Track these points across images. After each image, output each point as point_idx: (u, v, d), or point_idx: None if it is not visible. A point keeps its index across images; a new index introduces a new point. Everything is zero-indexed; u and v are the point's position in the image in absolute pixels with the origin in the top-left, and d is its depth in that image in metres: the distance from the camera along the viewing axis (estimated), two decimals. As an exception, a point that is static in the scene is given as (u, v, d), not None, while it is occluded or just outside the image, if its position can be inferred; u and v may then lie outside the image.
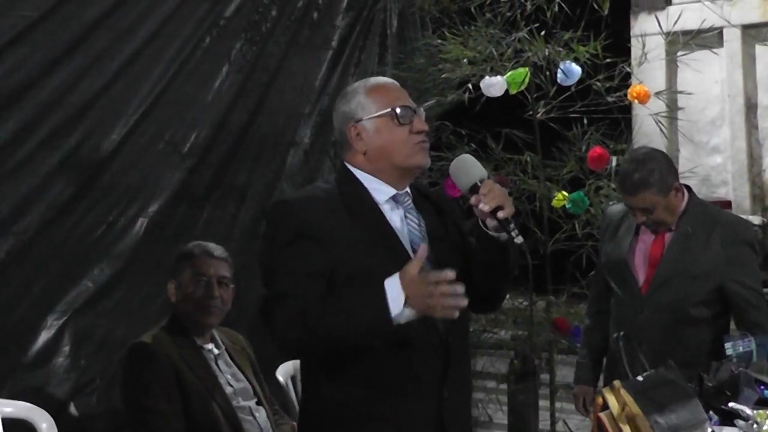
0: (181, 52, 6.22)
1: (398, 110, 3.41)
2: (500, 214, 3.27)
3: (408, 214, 3.44)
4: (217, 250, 4.69)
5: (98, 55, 5.79)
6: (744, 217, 8.77)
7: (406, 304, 3.07)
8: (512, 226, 3.29)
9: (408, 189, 3.49)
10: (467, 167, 3.41)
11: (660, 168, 4.69)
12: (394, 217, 3.42)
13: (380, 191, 3.42)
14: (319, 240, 3.27)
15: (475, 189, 3.34)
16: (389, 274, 3.14)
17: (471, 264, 3.50)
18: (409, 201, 3.47)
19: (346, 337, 3.16)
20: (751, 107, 8.68)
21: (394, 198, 3.43)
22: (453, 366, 3.37)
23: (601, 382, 5.10)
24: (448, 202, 3.72)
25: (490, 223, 3.34)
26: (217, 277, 4.61)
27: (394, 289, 3.08)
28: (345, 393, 3.31)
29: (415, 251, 3.29)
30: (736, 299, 4.69)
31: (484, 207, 3.29)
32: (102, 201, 5.80)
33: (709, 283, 4.69)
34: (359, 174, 3.44)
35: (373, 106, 3.43)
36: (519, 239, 3.28)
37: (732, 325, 4.86)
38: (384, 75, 7.27)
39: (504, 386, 6.94)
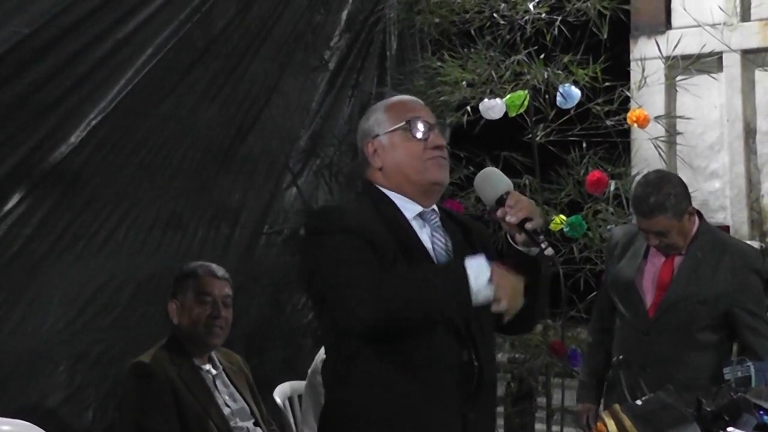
0: (161, 70, 6.10)
1: (412, 123, 3.38)
2: (528, 225, 3.21)
3: (435, 233, 3.41)
4: (219, 270, 4.69)
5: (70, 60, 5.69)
6: (742, 242, 8.82)
7: (490, 280, 3.05)
8: (541, 237, 3.22)
9: (435, 207, 3.46)
10: (492, 180, 3.35)
11: (676, 192, 4.70)
12: (423, 235, 3.38)
13: (407, 208, 3.39)
14: (369, 242, 3.22)
15: (501, 201, 3.28)
16: None
17: None
18: (436, 219, 3.44)
19: (421, 307, 3.11)
20: (750, 132, 8.65)
21: (420, 215, 3.40)
22: (482, 387, 3.32)
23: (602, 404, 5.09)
24: (476, 224, 3.66)
25: (519, 238, 3.28)
26: (221, 297, 4.60)
27: (479, 265, 3.07)
28: (368, 397, 3.25)
29: None
30: (742, 326, 4.71)
31: (512, 219, 3.22)
32: (81, 215, 5.74)
33: (717, 308, 4.71)
34: (386, 191, 3.42)
35: (389, 121, 3.42)
36: (549, 251, 3.21)
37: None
38: (383, 97, 7.28)
39: (501, 409, 6.94)
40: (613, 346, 4.98)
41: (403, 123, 3.39)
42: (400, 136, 3.39)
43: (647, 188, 4.71)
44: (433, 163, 3.38)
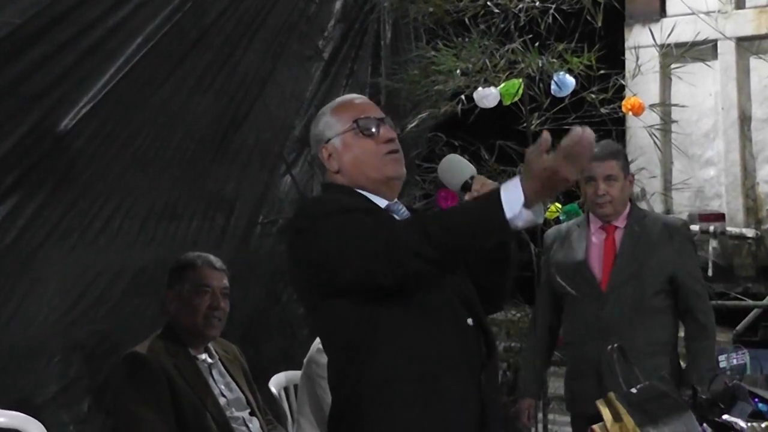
0: (153, 59, 6.04)
1: (361, 122, 3.37)
2: None
3: None
4: (217, 262, 4.67)
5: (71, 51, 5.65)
6: (738, 230, 8.86)
7: (525, 205, 2.94)
8: None
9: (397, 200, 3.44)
10: (455, 166, 3.35)
11: (623, 151, 5.32)
12: None
13: (375, 201, 3.36)
14: (370, 212, 3.24)
15: (466, 187, 3.28)
16: None
17: (470, 266, 3.42)
18: (404, 210, 3.42)
19: (469, 242, 3.04)
20: (745, 120, 8.67)
21: (388, 208, 3.37)
22: (490, 351, 3.31)
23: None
24: None
25: None
26: (220, 289, 4.59)
27: (513, 192, 2.94)
28: (386, 373, 3.18)
29: None
30: (684, 288, 5.12)
31: None
32: (75, 206, 5.72)
33: (663, 273, 5.09)
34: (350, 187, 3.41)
35: (338, 123, 3.40)
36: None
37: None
38: (377, 86, 7.29)
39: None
40: (568, 329, 5.31)
41: (352, 123, 3.39)
42: (351, 137, 3.38)
43: (600, 143, 5.09)
44: (390, 158, 3.37)
